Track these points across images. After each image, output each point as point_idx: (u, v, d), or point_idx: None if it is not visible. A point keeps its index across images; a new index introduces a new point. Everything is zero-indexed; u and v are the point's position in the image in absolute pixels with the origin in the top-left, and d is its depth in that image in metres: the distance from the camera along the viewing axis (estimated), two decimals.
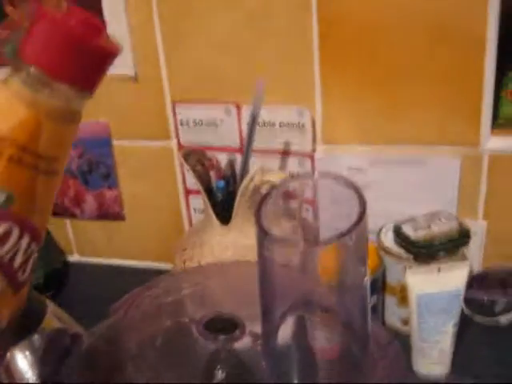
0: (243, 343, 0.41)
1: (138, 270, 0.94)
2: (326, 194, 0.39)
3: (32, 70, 0.31)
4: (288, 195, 0.39)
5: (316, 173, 0.76)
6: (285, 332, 0.40)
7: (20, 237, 0.30)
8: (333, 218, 0.38)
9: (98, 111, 0.87)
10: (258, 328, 0.41)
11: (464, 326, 0.68)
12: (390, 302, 0.74)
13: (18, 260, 0.30)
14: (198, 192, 0.84)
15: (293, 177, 0.35)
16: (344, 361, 0.39)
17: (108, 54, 0.33)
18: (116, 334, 0.42)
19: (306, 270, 0.37)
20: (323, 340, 0.40)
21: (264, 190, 0.66)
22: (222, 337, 0.41)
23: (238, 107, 0.80)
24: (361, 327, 0.38)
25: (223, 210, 0.74)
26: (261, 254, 0.36)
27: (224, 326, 0.42)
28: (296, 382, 0.38)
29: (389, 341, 0.44)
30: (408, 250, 0.70)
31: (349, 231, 0.33)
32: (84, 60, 0.32)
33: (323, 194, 0.40)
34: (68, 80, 0.32)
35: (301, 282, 0.38)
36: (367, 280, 0.38)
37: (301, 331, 0.40)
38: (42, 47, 0.31)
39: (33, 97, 0.31)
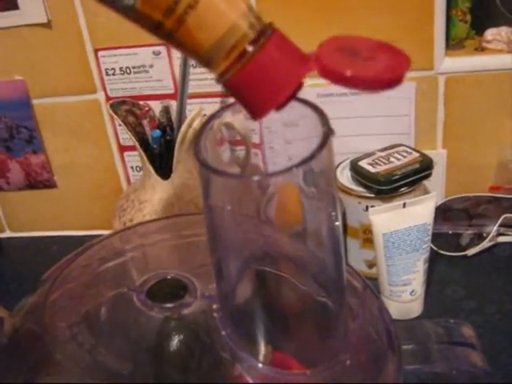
0: (195, 309, 0.34)
1: (77, 240, 0.86)
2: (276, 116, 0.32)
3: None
4: (229, 125, 0.32)
5: None
6: (244, 290, 0.33)
7: None
8: (287, 146, 0.31)
9: (11, 68, 0.78)
10: (211, 289, 0.35)
11: (431, 261, 0.63)
12: (353, 245, 0.69)
13: None
14: (133, 148, 0.76)
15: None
16: (318, 315, 0.33)
17: None
18: (42, 314, 0.35)
19: (262, 212, 0.30)
20: (290, 295, 0.34)
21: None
22: (168, 305, 0.34)
23: (168, 47, 0.72)
24: (334, 276, 0.32)
25: (162, 164, 0.67)
26: (207, 196, 0.29)
27: (171, 290, 0.35)
28: (264, 347, 0.32)
29: (363, 286, 0.39)
30: (368, 188, 0.65)
31: (312, 156, 0.26)
32: None
33: (273, 117, 0.33)
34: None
35: (257, 228, 0.32)
36: (339, 222, 0.32)
37: (262, 287, 0.34)
38: None
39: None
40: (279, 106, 0.29)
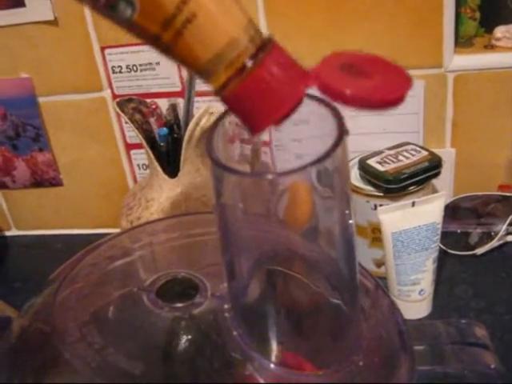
0: (206, 308, 0.34)
1: (83, 238, 0.86)
2: None
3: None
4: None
5: None
6: (256, 290, 0.33)
7: None
8: (296, 143, 0.31)
9: (17, 65, 0.77)
10: (222, 288, 0.34)
11: (439, 260, 0.63)
12: (361, 244, 0.69)
13: None
14: (140, 146, 0.76)
15: None
16: (331, 315, 0.33)
17: None
18: (50, 313, 0.34)
19: (274, 211, 0.30)
20: (302, 295, 0.33)
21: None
22: (178, 305, 0.33)
23: None
24: (347, 276, 0.32)
25: (169, 162, 0.66)
26: (218, 195, 0.28)
27: (181, 290, 0.35)
28: (276, 348, 0.31)
29: (375, 286, 0.38)
30: (377, 186, 0.64)
31: (327, 155, 0.26)
32: None
33: None
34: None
35: (269, 227, 0.31)
36: (352, 220, 0.31)
37: (274, 287, 0.34)
38: None
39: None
40: (278, 122, 0.29)
